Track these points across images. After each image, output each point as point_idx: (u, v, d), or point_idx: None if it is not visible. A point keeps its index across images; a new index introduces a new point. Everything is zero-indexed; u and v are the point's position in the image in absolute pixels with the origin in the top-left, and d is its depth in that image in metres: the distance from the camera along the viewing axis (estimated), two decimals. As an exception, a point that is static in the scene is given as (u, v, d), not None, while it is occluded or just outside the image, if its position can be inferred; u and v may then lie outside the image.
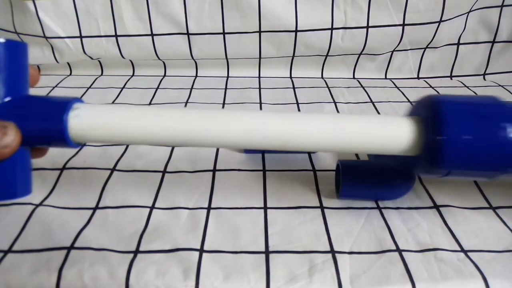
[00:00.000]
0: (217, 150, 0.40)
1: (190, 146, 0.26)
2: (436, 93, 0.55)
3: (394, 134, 0.25)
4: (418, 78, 0.60)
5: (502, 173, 0.25)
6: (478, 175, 0.27)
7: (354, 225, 0.31)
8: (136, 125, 0.25)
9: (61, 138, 0.25)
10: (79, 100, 0.26)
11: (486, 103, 0.26)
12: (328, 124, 0.26)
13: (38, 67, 0.59)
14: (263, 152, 0.39)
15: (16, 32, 0.54)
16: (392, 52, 0.57)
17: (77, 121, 0.25)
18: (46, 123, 0.25)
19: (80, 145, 0.27)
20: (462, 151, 0.24)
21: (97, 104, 0.27)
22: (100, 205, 0.32)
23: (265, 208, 0.33)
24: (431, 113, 0.25)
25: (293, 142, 0.26)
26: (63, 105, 0.25)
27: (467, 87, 0.57)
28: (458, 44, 0.58)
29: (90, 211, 0.32)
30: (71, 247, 0.28)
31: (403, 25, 0.54)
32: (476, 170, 0.25)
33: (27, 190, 0.26)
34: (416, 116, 0.26)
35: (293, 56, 0.57)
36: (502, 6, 0.56)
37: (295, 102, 0.52)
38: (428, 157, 0.25)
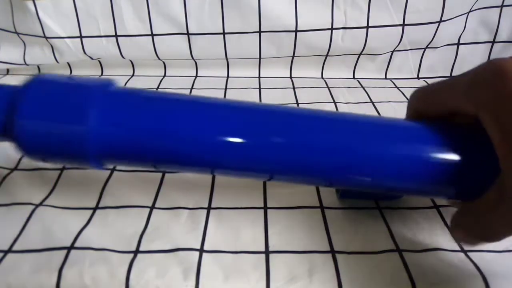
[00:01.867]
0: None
1: None
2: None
3: None
4: (418, 78, 0.60)
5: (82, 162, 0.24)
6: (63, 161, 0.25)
7: (354, 225, 0.31)
8: None
9: None
10: None
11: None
12: None
13: (38, 67, 0.59)
14: None
15: (16, 32, 0.54)
16: (392, 52, 0.57)
17: None
18: None
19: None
20: (33, 134, 0.22)
21: None
22: (100, 205, 0.32)
23: (265, 208, 0.32)
24: None
25: None
26: None
27: (467, 87, 0.57)
28: (458, 44, 0.58)
29: (90, 211, 0.32)
30: (71, 247, 0.28)
31: (403, 25, 0.53)
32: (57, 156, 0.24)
33: None
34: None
35: (293, 56, 0.57)
36: (502, 6, 0.55)
37: (295, 102, 0.52)
38: None
